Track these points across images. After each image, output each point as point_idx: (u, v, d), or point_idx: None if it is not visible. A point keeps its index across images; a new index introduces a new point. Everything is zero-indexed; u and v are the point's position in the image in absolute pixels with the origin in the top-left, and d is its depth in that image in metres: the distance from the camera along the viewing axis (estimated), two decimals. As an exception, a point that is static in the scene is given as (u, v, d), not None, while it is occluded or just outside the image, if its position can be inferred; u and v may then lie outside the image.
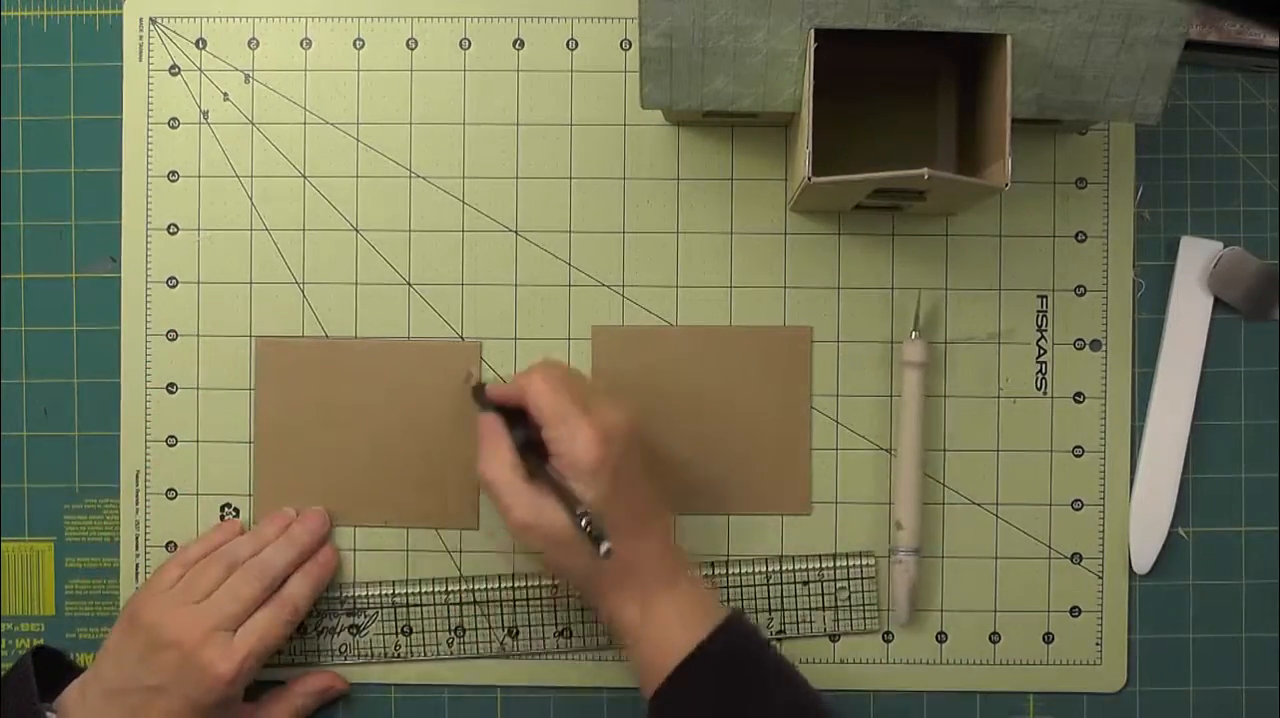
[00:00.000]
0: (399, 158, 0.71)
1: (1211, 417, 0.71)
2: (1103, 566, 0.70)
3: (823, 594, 0.70)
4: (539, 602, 0.71)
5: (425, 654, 0.71)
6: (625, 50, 0.71)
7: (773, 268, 0.71)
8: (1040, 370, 0.70)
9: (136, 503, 0.71)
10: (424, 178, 0.71)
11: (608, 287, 0.71)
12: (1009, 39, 0.59)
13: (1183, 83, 0.71)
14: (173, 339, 0.71)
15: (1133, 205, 0.71)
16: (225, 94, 0.71)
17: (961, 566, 0.71)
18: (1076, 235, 0.71)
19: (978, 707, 0.71)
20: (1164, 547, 0.70)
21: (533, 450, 0.62)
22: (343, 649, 0.71)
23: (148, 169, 0.71)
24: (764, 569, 0.70)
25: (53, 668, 0.66)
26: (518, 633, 0.71)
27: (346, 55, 0.71)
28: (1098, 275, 0.71)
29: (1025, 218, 0.71)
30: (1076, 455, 0.71)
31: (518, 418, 0.63)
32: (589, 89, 0.71)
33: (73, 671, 0.67)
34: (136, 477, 0.71)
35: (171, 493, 0.71)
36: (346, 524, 0.71)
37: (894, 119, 0.69)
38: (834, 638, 0.71)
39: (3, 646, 0.72)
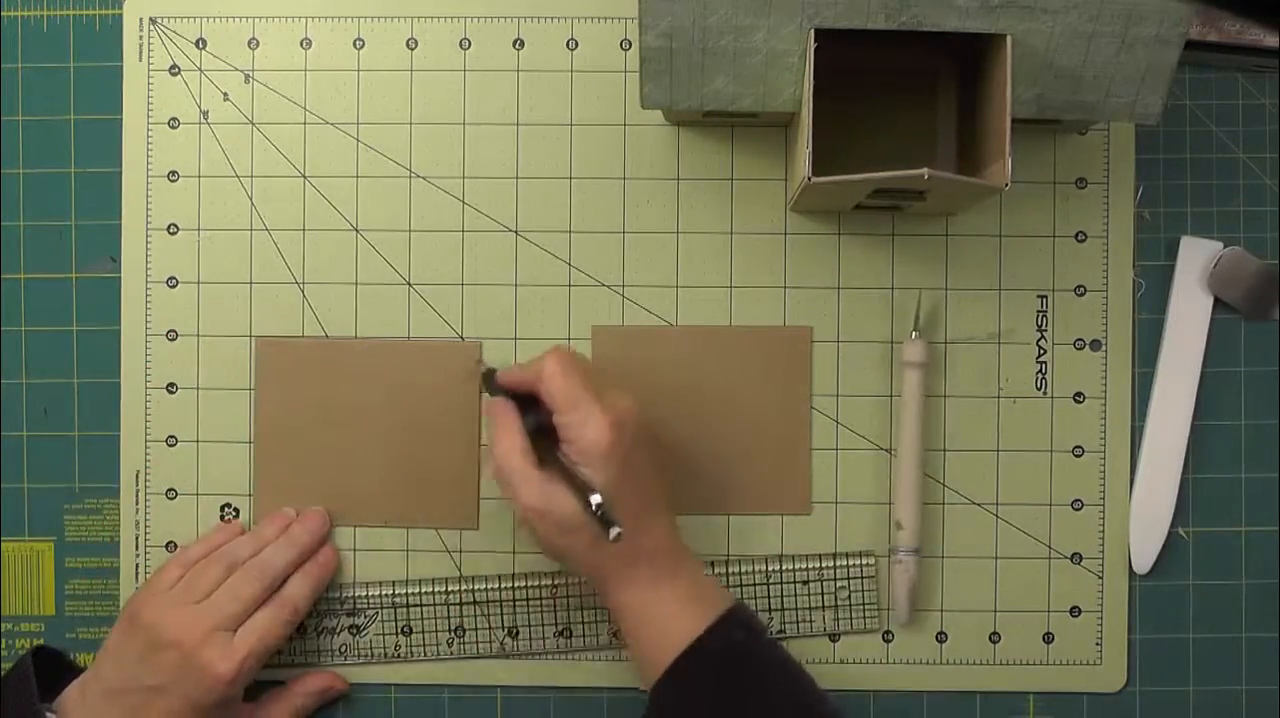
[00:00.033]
0: (399, 158, 0.71)
1: (1211, 417, 0.71)
2: (1103, 566, 0.70)
3: (823, 594, 0.70)
4: (539, 602, 0.71)
5: (425, 654, 0.71)
6: (625, 50, 0.71)
7: (773, 268, 0.71)
8: (1040, 370, 0.70)
9: (136, 503, 0.71)
10: (424, 178, 0.71)
11: (608, 287, 0.71)
12: (1009, 39, 0.59)
13: (1183, 83, 0.71)
14: (173, 339, 0.71)
15: (1133, 205, 0.71)
16: (225, 94, 0.71)
17: (961, 566, 0.71)
18: (1076, 235, 0.71)
19: (978, 707, 0.71)
20: (1164, 547, 0.70)
21: (543, 436, 0.62)
22: (343, 649, 0.71)
23: (148, 169, 0.71)
24: (764, 569, 0.70)
25: (53, 668, 0.66)
26: (518, 633, 0.71)
27: (346, 55, 0.71)
28: (1098, 275, 0.71)
29: (1025, 218, 0.71)
30: (1076, 455, 0.71)
31: (528, 404, 0.63)
32: (589, 89, 0.71)
33: (73, 671, 0.67)
34: (136, 477, 0.71)
35: (171, 493, 0.71)
36: (346, 524, 0.71)
37: (894, 119, 0.69)
38: (834, 638, 0.71)
39: (3, 646, 0.72)
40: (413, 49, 0.71)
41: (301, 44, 0.71)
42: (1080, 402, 0.71)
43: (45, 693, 0.64)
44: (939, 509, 0.71)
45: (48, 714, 0.63)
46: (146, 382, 0.71)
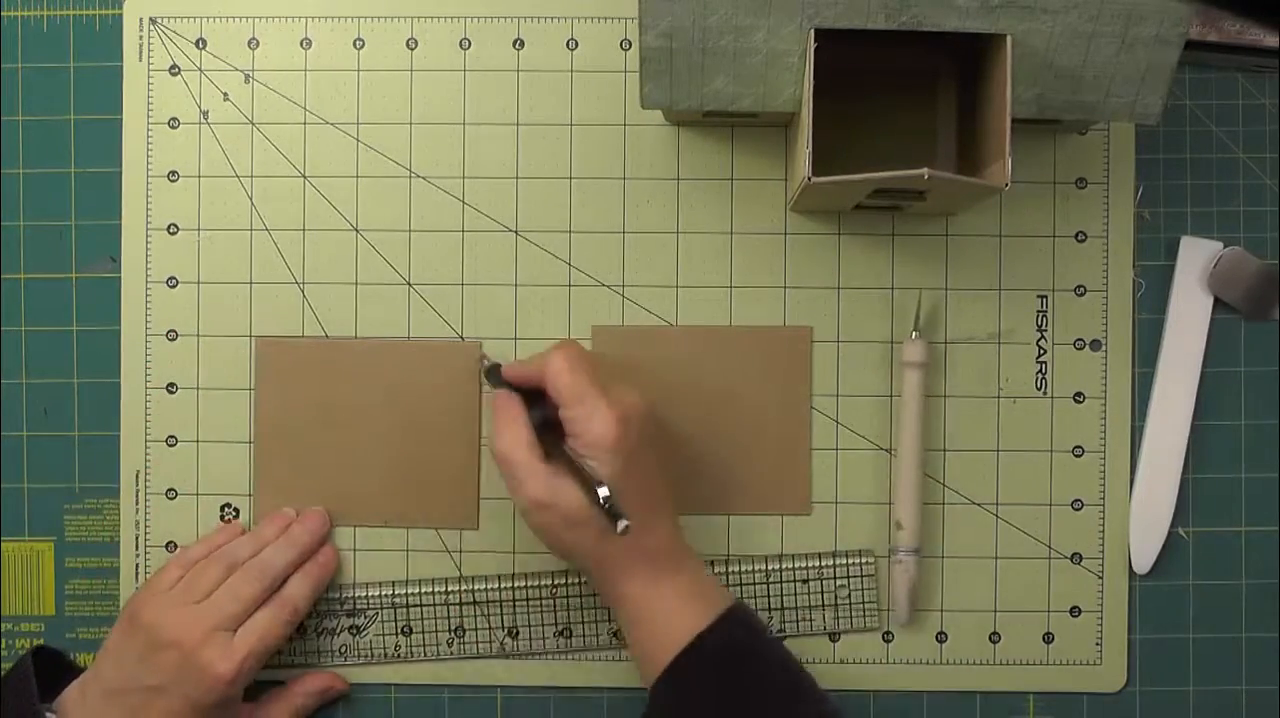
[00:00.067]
0: (399, 158, 0.71)
1: (1211, 417, 0.71)
2: (1103, 566, 0.70)
3: (822, 593, 0.70)
4: (539, 602, 0.71)
5: (425, 654, 0.71)
6: (625, 50, 0.71)
7: (773, 268, 0.71)
8: (1040, 370, 0.70)
9: (136, 503, 0.71)
10: (424, 178, 0.71)
11: (608, 287, 0.71)
12: (1009, 39, 0.59)
13: (1183, 83, 0.71)
14: (173, 339, 0.71)
15: (1133, 205, 0.71)
16: (225, 94, 0.71)
17: (961, 566, 0.71)
18: (1076, 235, 0.71)
19: (978, 707, 0.71)
20: (1164, 547, 0.70)
21: (549, 430, 0.62)
22: (343, 650, 0.71)
23: (148, 169, 0.71)
24: (763, 568, 0.70)
25: (53, 668, 0.66)
26: (518, 633, 0.71)
27: (346, 55, 0.71)
28: (1098, 275, 0.71)
29: (1025, 218, 0.71)
30: (1076, 455, 0.71)
31: (533, 398, 0.63)
32: (589, 89, 0.71)
33: (73, 671, 0.67)
34: (136, 477, 0.71)
35: (171, 493, 0.71)
36: (346, 524, 0.71)
37: (894, 119, 0.69)
38: (834, 638, 0.71)
39: (3, 646, 0.72)
40: (413, 49, 0.71)
41: (301, 44, 0.71)
42: (1080, 402, 0.71)
43: (45, 693, 0.64)
44: (939, 509, 0.71)
45: (48, 714, 0.63)
46: (146, 382, 0.71)
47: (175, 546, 0.71)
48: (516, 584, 0.71)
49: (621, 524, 0.58)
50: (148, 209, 0.71)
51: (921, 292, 0.70)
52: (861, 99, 0.67)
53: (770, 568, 0.70)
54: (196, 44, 0.71)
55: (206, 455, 0.71)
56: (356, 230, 0.71)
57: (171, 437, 0.71)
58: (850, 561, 0.70)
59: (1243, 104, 0.71)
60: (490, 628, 0.71)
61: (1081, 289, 0.71)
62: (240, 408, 0.71)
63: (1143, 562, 0.70)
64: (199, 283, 0.71)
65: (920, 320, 0.70)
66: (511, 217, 0.71)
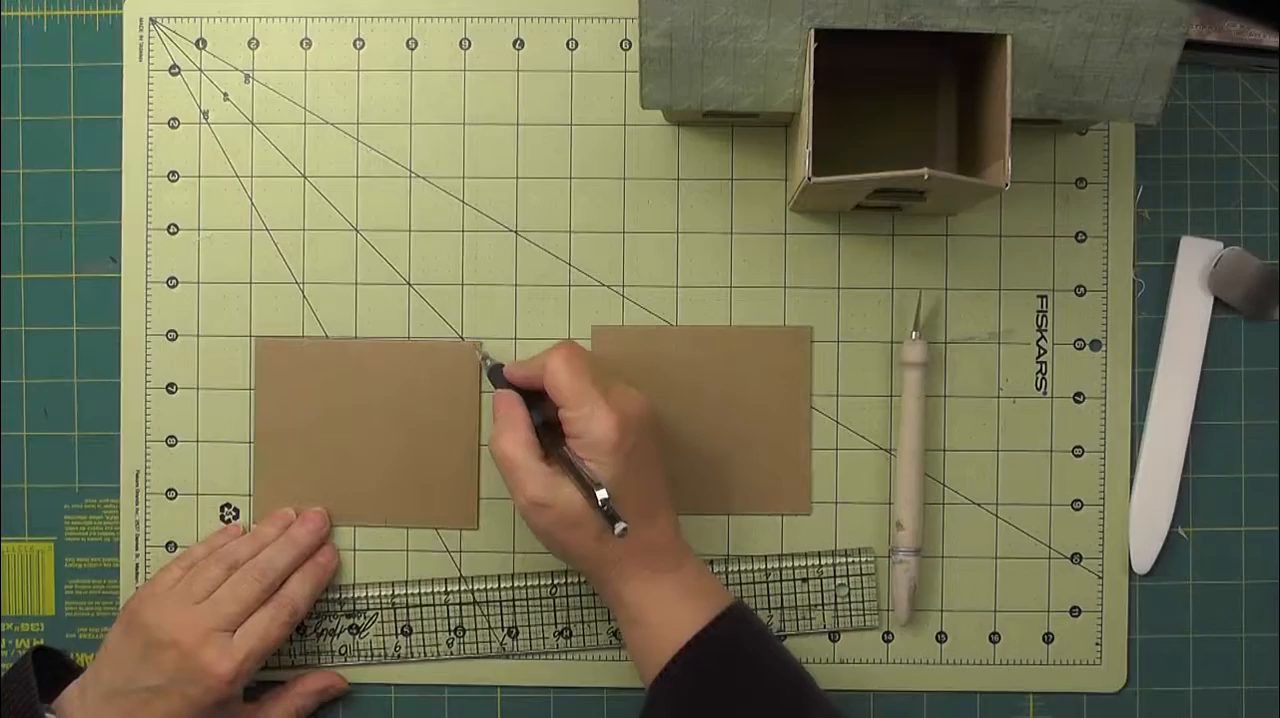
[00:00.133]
0: (399, 158, 0.71)
1: (1211, 417, 0.71)
2: (1103, 566, 0.70)
3: (822, 592, 0.70)
4: (539, 602, 0.71)
5: (425, 654, 0.71)
6: (625, 50, 0.71)
7: (773, 268, 0.71)
8: (1040, 370, 0.70)
9: (136, 503, 0.71)
10: (424, 178, 0.71)
11: (608, 287, 0.71)
12: (1009, 39, 0.59)
13: (1183, 83, 0.71)
14: (173, 339, 0.71)
15: (1133, 205, 0.71)
16: (225, 94, 0.71)
17: (961, 566, 0.71)
18: (1076, 235, 0.71)
19: (978, 707, 0.71)
20: (1164, 547, 0.70)
21: (549, 430, 0.62)
22: (343, 650, 0.71)
23: (148, 169, 0.71)
24: (763, 567, 0.70)
25: (53, 668, 0.66)
26: (518, 633, 0.71)
27: (346, 55, 0.71)
28: (1098, 275, 0.71)
29: (1025, 218, 0.71)
30: (1076, 455, 0.71)
31: (533, 399, 0.63)
32: (589, 89, 0.71)
33: (73, 671, 0.67)
34: (136, 477, 0.71)
35: (171, 493, 0.71)
36: (346, 524, 0.71)
37: (894, 119, 0.69)
38: (834, 638, 0.71)
39: (3, 646, 0.72)
40: (413, 49, 0.71)
41: (301, 44, 0.71)
42: (1080, 402, 0.71)
43: (45, 693, 0.64)
44: (939, 509, 0.70)
45: (47, 715, 0.63)
46: (146, 382, 0.71)
47: (175, 546, 0.71)
48: (516, 584, 0.71)
49: (619, 527, 0.58)
50: (148, 209, 0.71)
51: (921, 292, 0.70)
52: (861, 99, 0.67)
53: (770, 568, 0.70)
54: (196, 44, 0.71)
55: (206, 456, 0.71)
56: (356, 230, 0.71)
57: (171, 437, 0.71)
58: (850, 560, 0.70)
59: (1243, 104, 0.71)
60: (490, 628, 0.71)
61: (1081, 289, 0.71)
62: (240, 408, 0.71)
63: (1143, 562, 0.70)
64: (199, 283, 0.71)
65: (920, 320, 0.70)
66: (511, 216, 0.71)
